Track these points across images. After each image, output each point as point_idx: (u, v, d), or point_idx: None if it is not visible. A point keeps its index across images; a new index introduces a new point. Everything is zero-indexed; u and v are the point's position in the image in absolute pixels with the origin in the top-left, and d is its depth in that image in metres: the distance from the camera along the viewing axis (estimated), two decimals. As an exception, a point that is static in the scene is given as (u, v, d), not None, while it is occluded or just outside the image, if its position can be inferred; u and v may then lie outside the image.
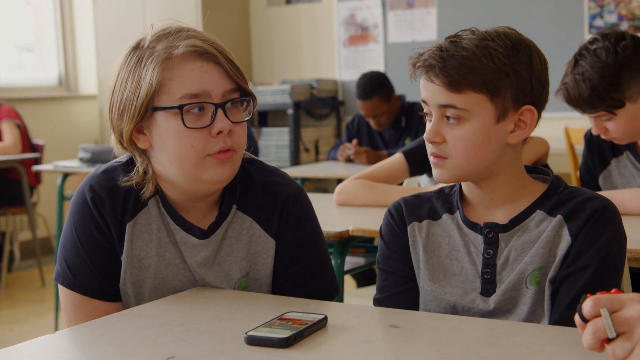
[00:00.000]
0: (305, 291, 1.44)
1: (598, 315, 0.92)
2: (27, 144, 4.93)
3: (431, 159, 1.34)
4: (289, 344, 1.10)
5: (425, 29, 5.45)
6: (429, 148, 1.34)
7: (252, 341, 1.12)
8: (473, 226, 1.35)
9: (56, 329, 3.88)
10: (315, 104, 5.74)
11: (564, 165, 4.07)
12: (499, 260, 1.32)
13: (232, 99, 1.36)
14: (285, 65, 6.16)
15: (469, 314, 1.32)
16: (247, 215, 1.45)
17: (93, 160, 4.09)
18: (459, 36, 1.31)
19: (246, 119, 1.40)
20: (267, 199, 1.46)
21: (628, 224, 1.41)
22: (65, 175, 4.12)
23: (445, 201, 1.41)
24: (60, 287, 1.46)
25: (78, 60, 6.10)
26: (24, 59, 6.07)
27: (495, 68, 1.27)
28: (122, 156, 1.47)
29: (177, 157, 1.34)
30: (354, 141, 4.17)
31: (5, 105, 4.91)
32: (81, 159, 4.16)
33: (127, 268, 1.43)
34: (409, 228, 1.40)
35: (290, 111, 5.55)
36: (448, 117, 1.30)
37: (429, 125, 1.33)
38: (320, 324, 1.18)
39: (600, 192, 1.83)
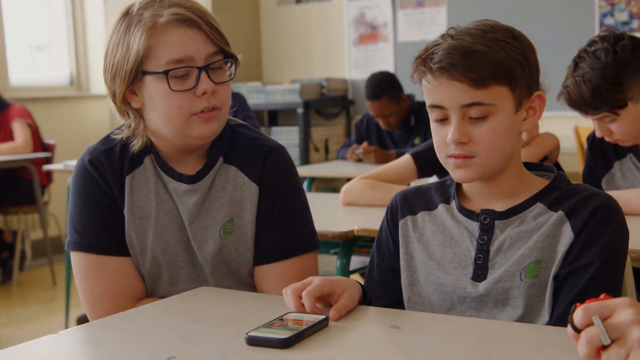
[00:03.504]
0: (282, 238, 1.55)
1: (590, 324, 0.91)
2: (39, 144, 4.96)
3: (452, 161, 1.30)
4: (289, 345, 1.11)
5: (435, 28, 5.44)
6: (450, 150, 1.29)
7: (253, 342, 1.12)
8: (469, 214, 1.35)
9: (67, 327, 3.90)
10: (325, 103, 5.74)
11: (574, 164, 4.05)
12: (492, 247, 1.32)
13: (215, 61, 1.48)
14: (295, 65, 6.17)
15: (461, 300, 1.33)
16: (232, 165, 1.57)
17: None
18: (453, 35, 1.29)
19: (230, 79, 1.52)
20: (251, 149, 1.58)
21: (633, 224, 1.40)
22: (76, 175, 4.14)
23: (444, 192, 1.42)
24: (72, 255, 1.55)
25: (89, 60, 6.12)
26: (36, 59, 6.10)
27: (511, 58, 1.27)
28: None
29: (166, 117, 1.47)
30: (364, 143, 4.16)
31: (16, 105, 4.94)
32: (91, 159, 4.17)
33: (130, 219, 1.55)
34: (401, 222, 1.42)
35: (300, 110, 5.56)
36: (469, 117, 1.28)
37: (441, 129, 1.30)
38: (321, 325, 1.18)
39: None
